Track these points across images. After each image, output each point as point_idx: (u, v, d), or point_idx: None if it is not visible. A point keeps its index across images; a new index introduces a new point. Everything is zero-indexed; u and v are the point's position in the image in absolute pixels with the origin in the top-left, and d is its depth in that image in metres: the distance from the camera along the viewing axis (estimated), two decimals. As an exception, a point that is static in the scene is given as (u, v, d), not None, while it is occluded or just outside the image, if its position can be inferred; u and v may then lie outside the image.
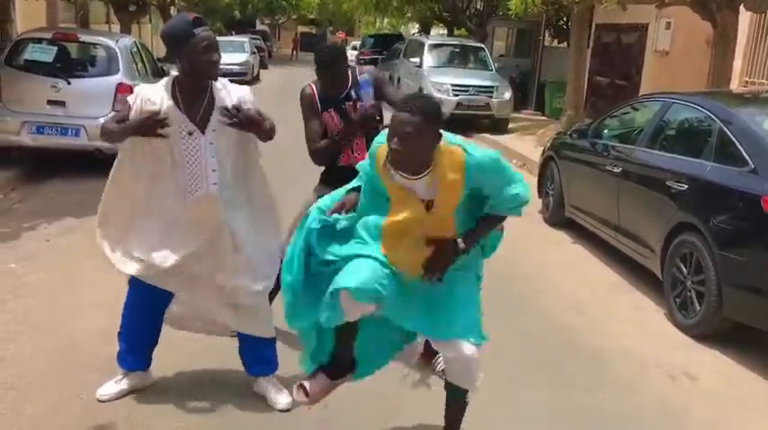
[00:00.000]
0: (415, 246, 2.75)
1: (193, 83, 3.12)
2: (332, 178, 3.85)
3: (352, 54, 34.61)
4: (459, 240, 2.75)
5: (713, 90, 8.04)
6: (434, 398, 3.61)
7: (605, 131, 6.48)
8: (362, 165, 2.90)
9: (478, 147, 2.76)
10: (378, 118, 3.79)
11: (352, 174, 3.32)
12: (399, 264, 2.73)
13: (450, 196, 2.70)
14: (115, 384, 3.42)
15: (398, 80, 17.47)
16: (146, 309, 3.38)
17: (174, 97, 3.10)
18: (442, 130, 2.66)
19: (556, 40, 19.66)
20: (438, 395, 3.61)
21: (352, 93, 3.82)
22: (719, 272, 4.47)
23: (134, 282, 3.36)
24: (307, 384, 2.99)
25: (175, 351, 3.65)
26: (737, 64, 10.07)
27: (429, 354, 3.38)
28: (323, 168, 3.98)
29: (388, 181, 2.73)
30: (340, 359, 3.02)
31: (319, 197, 3.18)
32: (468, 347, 2.76)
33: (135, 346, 3.41)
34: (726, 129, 4.90)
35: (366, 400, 3.46)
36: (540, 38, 19.92)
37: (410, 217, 2.72)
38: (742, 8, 8.77)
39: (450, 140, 2.70)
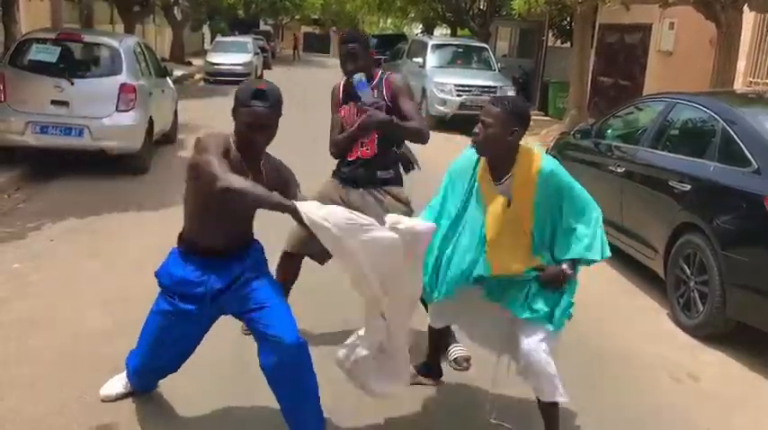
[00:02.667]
0: (512, 246, 3.02)
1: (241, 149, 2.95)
2: (340, 171, 3.96)
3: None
4: (564, 266, 3.02)
5: (717, 90, 8.03)
6: (435, 400, 3.62)
7: (609, 131, 6.47)
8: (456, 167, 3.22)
9: (558, 164, 3.06)
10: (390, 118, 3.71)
11: (359, 167, 3.79)
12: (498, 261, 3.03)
13: (525, 193, 2.97)
14: (118, 383, 3.40)
15: (402, 80, 17.46)
16: (175, 340, 3.14)
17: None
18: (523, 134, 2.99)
19: (559, 41, 19.64)
20: (439, 396, 3.62)
21: (374, 92, 3.81)
22: (723, 272, 4.46)
23: (163, 309, 3.09)
24: None
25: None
26: (741, 64, 10.05)
27: (444, 345, 3.79)
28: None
29: (485, 185, 3.06)
30: (432, 363, 3.63)
31: (321, 194, 3.79)
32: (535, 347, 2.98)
33: (151, 375, 3.33)
34: (729, 129, 4.89)
35: (369, 401, 3.48)
36: (544, 38, 19.91)
37: (495, 213, 3.02)
38: (746, 8, 8.76)
39: (535, 148, 3.06)
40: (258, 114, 2.84)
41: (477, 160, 3.13)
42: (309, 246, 3.72)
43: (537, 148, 3.12)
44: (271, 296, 2.98)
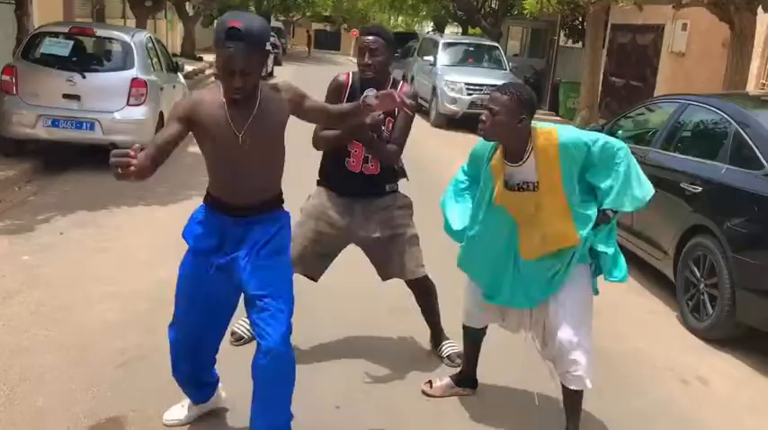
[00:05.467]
0: (552, 224, 3.07)
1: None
2: (338, 183, 3.72)
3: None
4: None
5: (729, 92, 7.98)
6: (436, 403, 3.61)
7: (620, 132, 6.43)
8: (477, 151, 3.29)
9: (574, 129, 3.12)
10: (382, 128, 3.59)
11: (362, 181, 3.65)
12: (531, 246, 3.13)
13: (551, 172, 3.01)
14: (182, 408, 3.22)
15: (412, 78, 17.45)
16: (204, 299, 2.92)
17: None
18: (533, 119, 3.03)
19: (571, 40, 19.57)
20: (440, 402, 3.62)
21: None
22: (733, 275, 4.44)
23: (187, 261, 2.92)
24: (435, 381, 3.64)
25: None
26: (754, 66, 10.00)
27: (435, 342, 3.88)
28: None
29: (501, 173, 3.10)
30: (467, 373, 3.63)
31: (312, 205, 3.76)
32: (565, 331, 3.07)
33: (189, 383, 3.13)
34: (742, 131, 4.86)
35: (373, 402, 3.48)
36: (555, 38, 19.85)
37: (520, 198, 3.10)
38: (760, 9, 8.70)
39: (546, 125, 3.08)
40: (231, 56, 2.52)
41: (494, 146, 3.15)
42: (304, 264, 3.71)
43: (550, 125, 3.12)
44: (275, 282, 2.79)
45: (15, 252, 5.30)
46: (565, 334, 3.08)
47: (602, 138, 3.08)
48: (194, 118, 2.67)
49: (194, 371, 3.06)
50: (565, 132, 3.05)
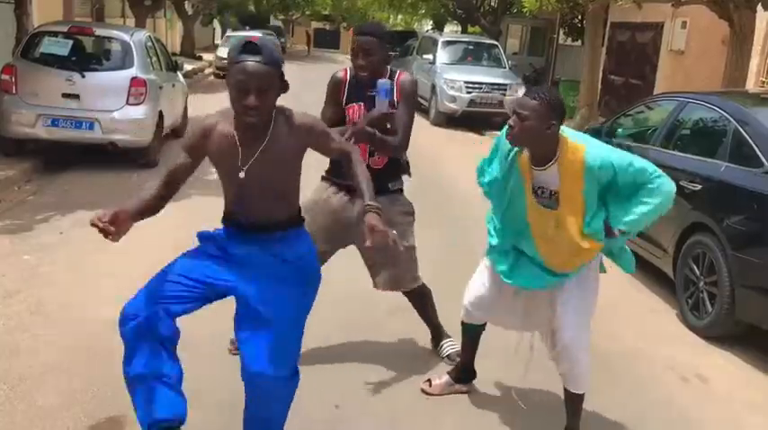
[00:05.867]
0: (565, 238, 3.01)
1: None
2: (340, 178, 3.57)
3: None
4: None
5: (729, 90, 7.98)
6: (436, 403, 3.61)
7: (619, 130, 6.44)
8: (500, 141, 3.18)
9: (604, 147, 3.00)
10: (388, 126, 3.51)
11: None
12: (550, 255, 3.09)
13: (573, 187, 2.95)
14: None
15: (411, 77, 17.44)
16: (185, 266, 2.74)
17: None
18: (562, 126, 2.96)
19: (570, 39, 19.58)
20: (440, 401, 3.62)
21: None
22: (732, 273, 4.44)
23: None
24: (435, 379, 3.66)
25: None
26: (753, 63, 10.00)
27: (436, 341, 3.91)
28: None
29: (526, 168, 3.05)
30: (465, 366, 3.64)
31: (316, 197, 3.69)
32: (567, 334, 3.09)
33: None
34: (741, 129, 4.86)
35: (373, 402, 3.50)
36: (555, 36, 19.86)
37: (538, 209, 3.05)
38: (759, 7, 8.70)
39: (576, 137, 3.00)
40: (246, 71, 2.40)
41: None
42: None
43: (578, 139, 3.01)
44: (278, 314, 2.61)
45: (16, 251, 5.31)
46: (568, 333, 3.09)
47: (637, 161, 2.96)
48: (202, 149, 2.62)
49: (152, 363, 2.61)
50: (593, 151, 2.94)
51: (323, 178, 3.82)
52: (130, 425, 3.15)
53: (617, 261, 3.26)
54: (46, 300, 4.45)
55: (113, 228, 2.44)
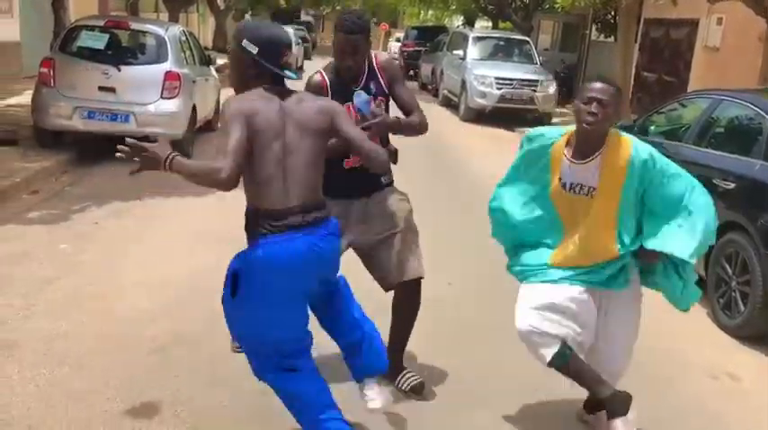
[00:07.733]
0: (595, 233, 2.97)
1: None
2: (333, 184, 3.02)
3: (395, 46, 34.62)
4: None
5: (765, 87, 7.86)
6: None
7: (652, 128, 6.39)
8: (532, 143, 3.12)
9: (653, 150, 2.94)
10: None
11: (358, 175, 3.25)
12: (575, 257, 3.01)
13: (615, 179, 2.88)
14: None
15: (441, 72, 17.42)
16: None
17: None
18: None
19: (602, 35, 19.36)
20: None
21: (371, 86, 3.36)
22: (766, 272, 4.39)
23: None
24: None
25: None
26: (791, 61, 9.81)
27: (395, 371, 3.48)
28: None
29: (559, 170, 2.98)
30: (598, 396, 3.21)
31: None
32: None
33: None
34: (777, 127, 4.79)
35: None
36: (587, 32, 19.66)
37: (573, 200, 3.00)
38: (798, 4, 8.55)
39: (624, 133, 2.96)
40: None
41: (553, 143, 3.02)
42: None
43: (625, 133, 3.00)
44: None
45: (53, 240, 5.43)
46: (615, 366, 3.17)
47: (684, 172, 2.97)
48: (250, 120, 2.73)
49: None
50: (641, 145, 2.92)
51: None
52: (165, 409, 3.24)
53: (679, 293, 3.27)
54: (82, 287, 4.55)
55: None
